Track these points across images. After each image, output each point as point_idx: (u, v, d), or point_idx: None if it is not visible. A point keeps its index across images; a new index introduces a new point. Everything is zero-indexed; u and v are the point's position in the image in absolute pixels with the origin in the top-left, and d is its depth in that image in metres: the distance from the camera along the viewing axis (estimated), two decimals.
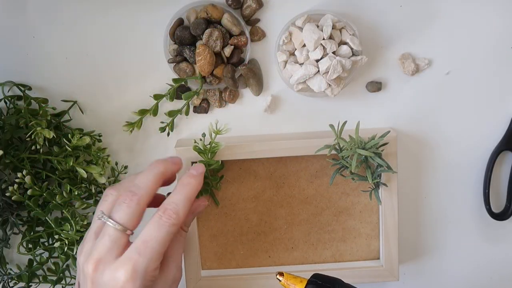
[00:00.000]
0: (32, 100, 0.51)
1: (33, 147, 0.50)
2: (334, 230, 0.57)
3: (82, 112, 0.54)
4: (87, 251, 0.43)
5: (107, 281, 0.41)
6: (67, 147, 0.50)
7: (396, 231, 0.54)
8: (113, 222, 0.42)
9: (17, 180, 0.51)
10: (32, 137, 0.49)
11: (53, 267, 0.55)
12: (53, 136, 0.50)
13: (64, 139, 0.51)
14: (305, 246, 0.57)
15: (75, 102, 0.53)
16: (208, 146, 0.51)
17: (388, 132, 0.50)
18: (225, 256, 0.57)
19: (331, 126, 0.50)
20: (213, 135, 0.50)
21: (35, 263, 0.54)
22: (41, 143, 0.49)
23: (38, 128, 0.48)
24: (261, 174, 0.55)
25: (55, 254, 0.54)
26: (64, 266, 0.55)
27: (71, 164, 0.50)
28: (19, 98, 0.53)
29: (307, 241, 0.57)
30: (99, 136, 0.54)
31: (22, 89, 0.52)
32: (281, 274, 0.46)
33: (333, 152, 0.51)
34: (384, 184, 0.53)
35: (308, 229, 0.57)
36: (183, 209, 0.44)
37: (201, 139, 0.51)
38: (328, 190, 0.56)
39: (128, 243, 0.43)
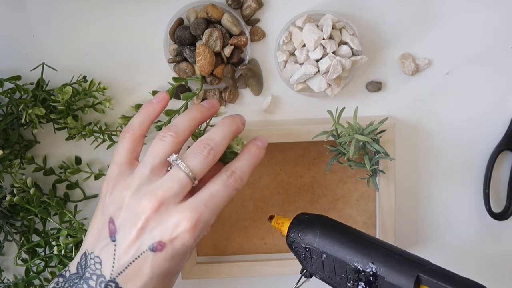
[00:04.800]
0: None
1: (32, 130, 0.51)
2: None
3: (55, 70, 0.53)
4: (141, 187, 0.42)
5: (166, 225, 0.40)
6: (59, 107, 0.51)
7: (393, 219, 0.54)
8: (187, 168, 0.42)
9: (16, 185, 0.51)
10: (27, 120, 0.49)
11: (50, 277, 0.55)
12: (45, 113, 0.50)
13: (52, 104, 0.51)
14: None
15: (42, 64, 0.52)
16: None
17: (386, 118, 0.49)
18: (220, 243, 0.57)
19: (329, 112, 0.50)
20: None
21: (31, 273, 0.54)
22: (37, 122, 0.50)
23: (30, 110, 0.49)
24: None
25: (52, 263, 0.54)
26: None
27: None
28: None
29: None
30: (84, 78, 0.53)
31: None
32: (272, 216, 0.48)
33: (331, 138, 0.51)
34: (382, 171, 0.53)
35: None
36: (246, 177, 0.44)
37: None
38: (325, 178, 0.56)
39: (190, 193, 0.42)
